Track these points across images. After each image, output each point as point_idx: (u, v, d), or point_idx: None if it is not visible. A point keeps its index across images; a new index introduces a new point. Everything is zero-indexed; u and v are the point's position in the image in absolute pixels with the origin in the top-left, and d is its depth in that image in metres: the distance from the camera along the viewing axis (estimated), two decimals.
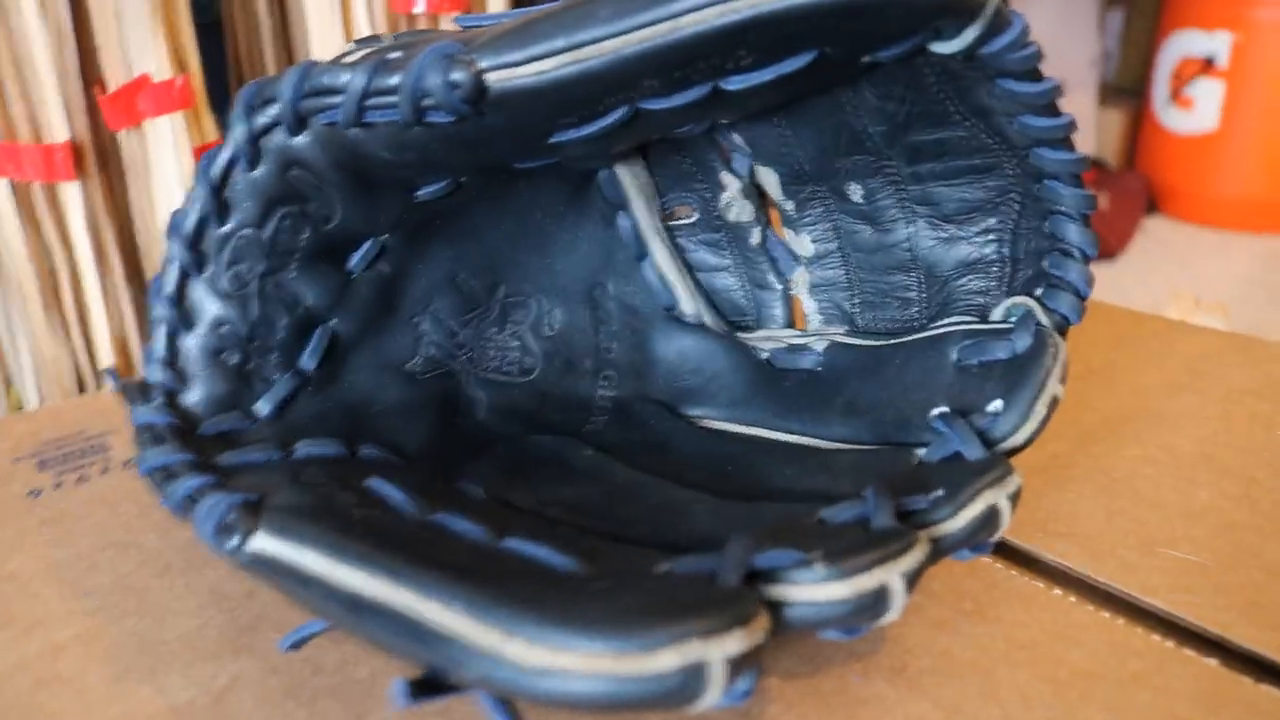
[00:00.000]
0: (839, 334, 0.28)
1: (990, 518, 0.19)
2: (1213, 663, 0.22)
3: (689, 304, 0.30)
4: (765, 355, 0.29)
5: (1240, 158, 1.45)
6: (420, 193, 0.25)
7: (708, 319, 0.30)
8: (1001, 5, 0.20)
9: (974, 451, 0.21)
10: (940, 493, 0.19)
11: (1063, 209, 0.23)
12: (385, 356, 0.27)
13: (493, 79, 0.20)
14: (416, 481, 0.22)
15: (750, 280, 0.30)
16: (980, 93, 0.23)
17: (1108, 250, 1.40)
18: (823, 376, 0.27)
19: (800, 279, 0.29)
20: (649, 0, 0.19)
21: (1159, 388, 0.35)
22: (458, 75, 0.20)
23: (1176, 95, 1.48)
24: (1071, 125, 0.23)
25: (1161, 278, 1.34)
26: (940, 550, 0.19)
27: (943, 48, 0.21)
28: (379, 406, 0.26)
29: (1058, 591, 0.24)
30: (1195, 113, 1.47)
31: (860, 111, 0.25)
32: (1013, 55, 0.21)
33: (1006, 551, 0.26)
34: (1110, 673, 0.21)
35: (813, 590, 0.16)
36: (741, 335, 0.30)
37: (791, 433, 0.27)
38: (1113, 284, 1.34)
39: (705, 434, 0.28)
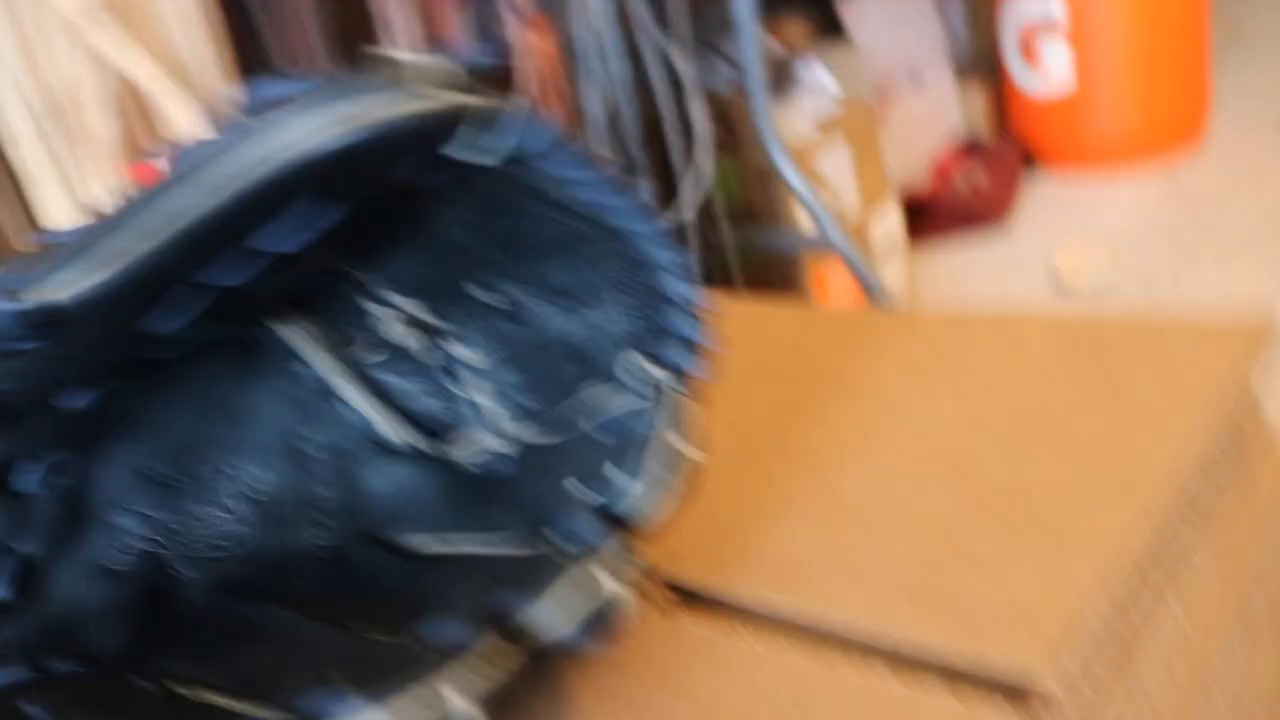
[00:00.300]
0: (529, 433, 0.28)
1: (601, 613, 0.19)
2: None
3: (391, 432, 0.30)
4: (473, 466, 0.29)
5: (1100, 107, 1.49)
6: (67, 406, 0.26)
7: (415, 441, 0.30)
8: (519, 110, 0.21)
9: (588, 528, 0.21)
10: (531, 594, 0.19)
11: (663, 267, 0.24)
12: (86, 561, 0.27)
13: (38, 299, 0.21)
14: (77, 693, 0.21)
15: (444, 397, 0.30)
16: (549, 189, 0.23)
17: (994, 217, 1.43)
18: (510, 479, 0.28)
19: (482, 389, 0.30)
20: (167, 215, 0.20)
21: (891, 387, 0.34)
22: (7, 307, 0.21)
23: (1029, 59, 1.53)
24: (639, 207, 0.23)
25: (1052, 232, 1.37)
26: (550, 652, 0.19)
27: (481, 158, 0.22)
28: (85, 612, 0.26)
29: (760, 648, 0.24)
30: (1049, 73, 1.51)
31: (461, 226, 0.26)
32: (557, 151, 0.22)
33: (707, 604, 0.26)
34: None
35: None
36: (449, 448, 0.30)
37: (482, 541, 0.27)
38: (1008, 248, 1.37)
39: (398, 561, 0.28)
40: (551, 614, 0.19)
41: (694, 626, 0.24)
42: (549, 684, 0.23)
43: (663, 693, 0.23)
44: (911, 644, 0.21)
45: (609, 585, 0.19)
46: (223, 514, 0.29)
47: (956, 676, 0.20)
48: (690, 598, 0.26)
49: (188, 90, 0.67)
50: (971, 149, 1.59)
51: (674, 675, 0.23)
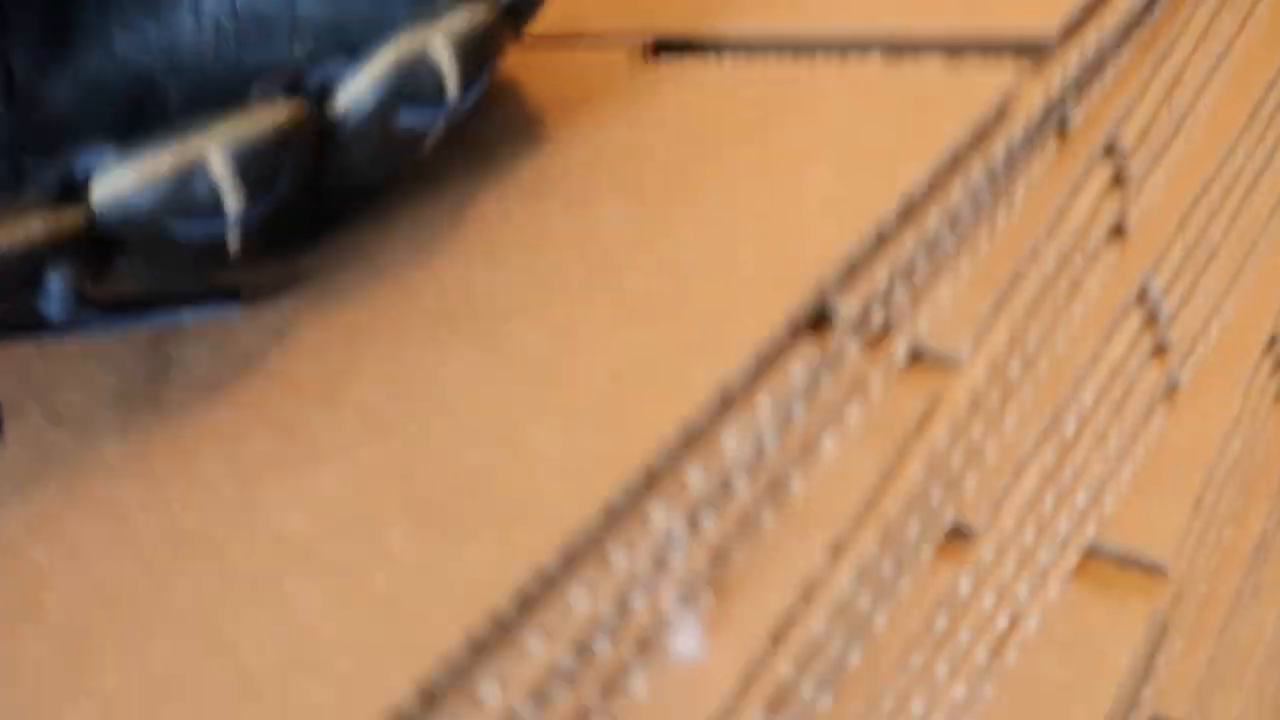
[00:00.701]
0: None
1: (411, 73, 0.15)
2: None
3: None
4: None
5: None
6: None
7: None
8: None
9: None
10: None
11: None
12: (77, 70, 0.25)
13: None
14: None
15: None
16: None
17: None
18: None
19: None
20: None
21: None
22: None
23: None
24: None
25: None
26: (344, 127, 0.15)
27: None
28: (76, 123, 0.24)
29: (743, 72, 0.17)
30: None
31: None
32: None
33: (691, 50, 0.19)
34: None
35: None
36: None
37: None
38: None
39: None
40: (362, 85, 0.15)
41: (671, 71, 0.20)
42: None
43: (624, 124, 0.19)
44: (911, 30, 0.18)
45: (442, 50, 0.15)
46: (203, 25, 0.26)
47: (957, 52, 0.17)
48: (671, 49, 0.22)
49: None
50: None
51: (641, 109, 0.19)
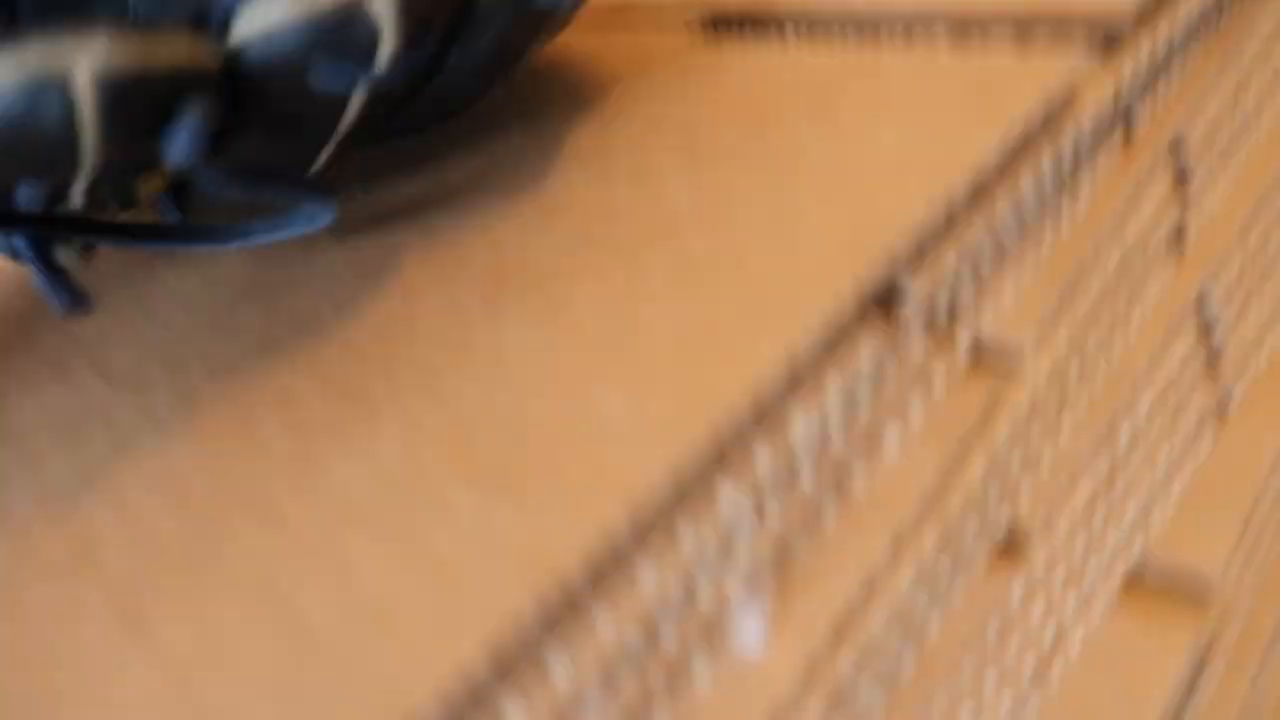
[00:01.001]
0: None
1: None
2: None
3: None
4: None
5: None
6: None
7: None
8: None
9: None
10: None
11: None
12: None
13: None
14: None
15: None
16: None
17: None
18: None
19: None
20: None
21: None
22: None
23: None
24: None
25: None
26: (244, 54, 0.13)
27: None
28: None
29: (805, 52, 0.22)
30: None
31: None
32: None
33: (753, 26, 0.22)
34: None
35: None
36: None
37: None
38: None
39: None
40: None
41: (732, 48, 0.20)
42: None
43: (685, 98, 0.19)
44: (979, 5, 0.18)
45: None
46: None
47: (1027, 31, 0.17)
48: (732, 25, 0.22)
49: None
50: None
51: (702, 84, 0.19)
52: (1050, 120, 0.15)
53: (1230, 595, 0.21)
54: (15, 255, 0.16)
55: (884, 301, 0.13)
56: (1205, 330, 0.20)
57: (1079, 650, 0.18)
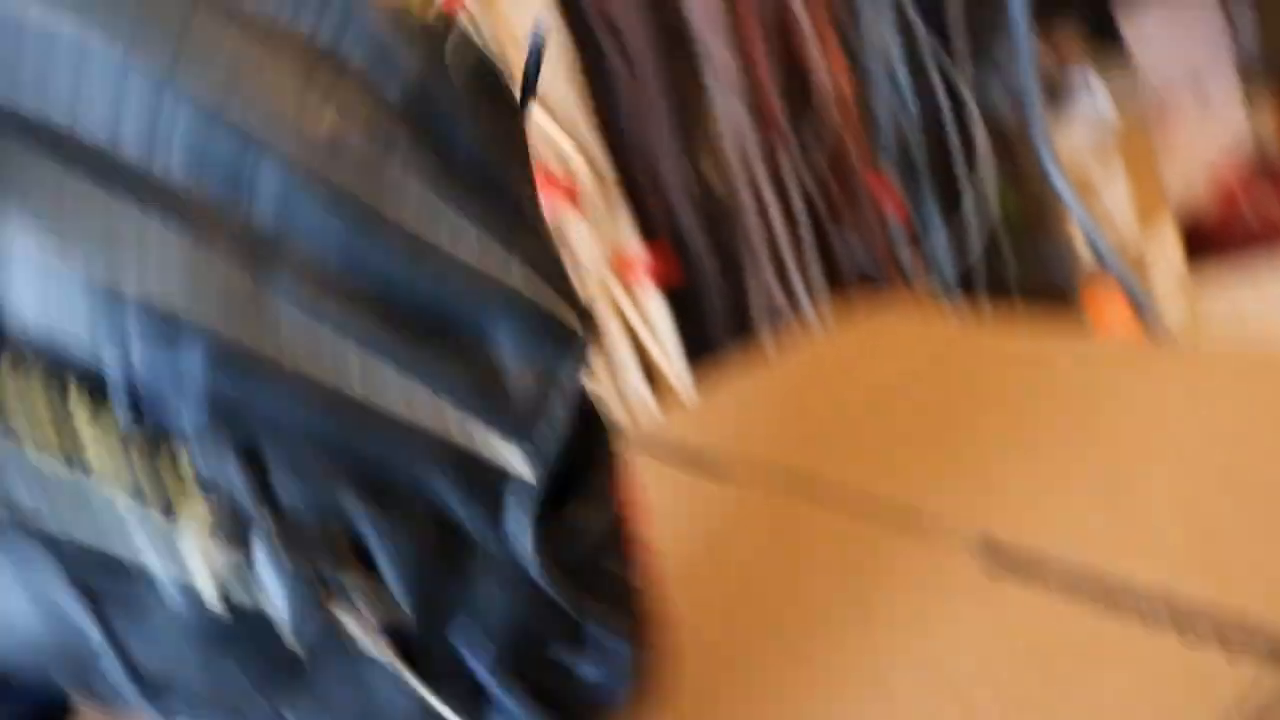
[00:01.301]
0: None
1: None
2: None
3: None
4: None
5: None
6: None
7: None
8: None
9: None
10: None
11: None
12: None
13: None
14: None
15: None
16: None
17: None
18: None
19: None
20: None
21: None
22: None
23: None
24: None
25: None
26: None
27: None
28: None
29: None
30: None
31: None
32: None
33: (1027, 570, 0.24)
34: None
35: None
36: None
37: None
38: None
39: None
40: None
41: (1017, 593, 0.25)
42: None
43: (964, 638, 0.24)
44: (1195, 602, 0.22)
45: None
46: None
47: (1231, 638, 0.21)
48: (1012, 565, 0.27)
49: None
50: (1260, 169, 1.47)
51: (977, 635, 0.24)
52: None
53: None
54: None
55: None
56: None
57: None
